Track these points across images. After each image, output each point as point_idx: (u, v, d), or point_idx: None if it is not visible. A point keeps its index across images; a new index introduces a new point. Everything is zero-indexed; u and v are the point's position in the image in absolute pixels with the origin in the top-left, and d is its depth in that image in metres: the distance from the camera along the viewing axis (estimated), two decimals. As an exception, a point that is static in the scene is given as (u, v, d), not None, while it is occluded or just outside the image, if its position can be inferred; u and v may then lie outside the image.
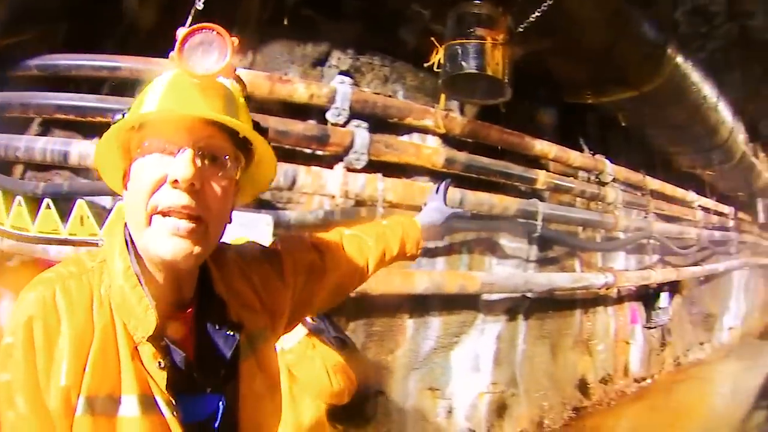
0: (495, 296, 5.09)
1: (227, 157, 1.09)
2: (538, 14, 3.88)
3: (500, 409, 5.27)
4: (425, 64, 4.29)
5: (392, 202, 4.07)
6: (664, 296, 7.83)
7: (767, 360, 9.09)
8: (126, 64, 3.58)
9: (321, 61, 4.35)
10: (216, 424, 1.14)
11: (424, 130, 4.53)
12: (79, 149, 3.44)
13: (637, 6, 4.69)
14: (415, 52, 4.51)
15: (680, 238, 8.24)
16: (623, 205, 6.68)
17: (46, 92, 3.62)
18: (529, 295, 5.34)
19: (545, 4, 3.78)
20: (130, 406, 1.02)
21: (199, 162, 1.03)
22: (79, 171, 3.68)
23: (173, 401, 1.05)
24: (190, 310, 1.16)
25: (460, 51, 3.97)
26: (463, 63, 3.95)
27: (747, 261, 12.12)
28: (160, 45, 3.68)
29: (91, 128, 3.69)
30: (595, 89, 5.74)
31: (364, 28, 4.42)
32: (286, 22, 4.10)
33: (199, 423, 1.12)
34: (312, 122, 4.00)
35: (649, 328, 7.90)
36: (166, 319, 1.09)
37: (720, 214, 10.36)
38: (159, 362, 1.05)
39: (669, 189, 8.05)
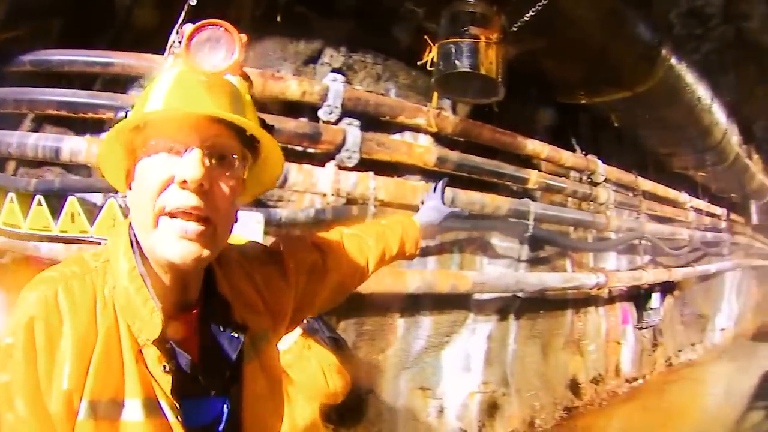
0: (486, 296, 5.12)
1: (235, 156, 1.08)
2: (533, 13, 3.89)
3: (491, 409, 5.28)
4: (418, 63, 4.28)
5: (384, 201, 4.08)
6: (655, 297, 7.89)
7: (761, 361, 9.15)
8: (118, 60, 3.59)
9: (314, 59, 4.34)
10: (220, 428, 1.12)
11: (416, 129, 4.55)
12: (71, 145, 3.44)
13: (632, 7, 4.69)
14: (408, 50, 4.52)
15: (672, 239, 8.29)
16: (615, 206, 6.71)
17: (38, 88, 3.63)
18: (520, 294, 5.37)
19: (540, 3, 3.80)
20: (133, 410, 1.00)
21: (207, 161, 1.02)
22: (71, 167, 3.68)
23: (178, 405, 1.03)
24: (194, 311, 1.14)
25: (453, 50, 3.98)
26: (457, 62, 3.96)
27: (739, 262, 12.21)
28: (153, 41, 3.68)
29: (83, 124, 3.69)
30: (589, 89, 5.77)
31: (357, 25, 4.42)
32: (279, 19, 4.08)
33: (203, 427, 1.10)
34: (304, 120, 4.00)
35: (641, 328, 7.95)
36: (170, 321, 1.07)
37: (712, 215, 10.44)
38: (164, 366, 1.03)
39: (661, 190, 8.12)
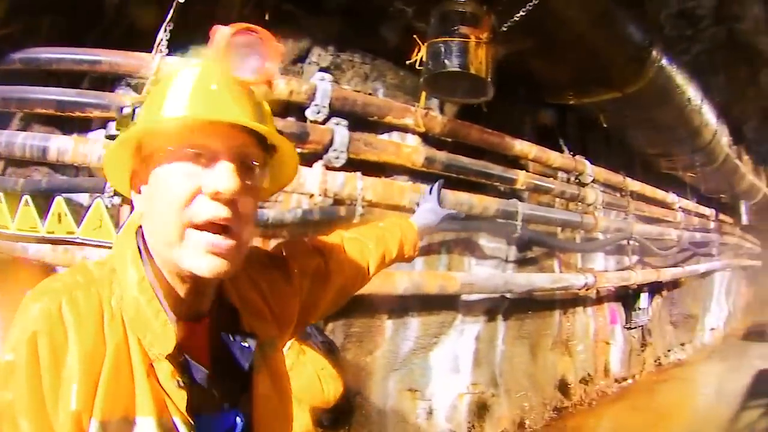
0: (474, 296, 5.16)
1: (256, 163, 1.06)
2: (523, 13, 3.90)
3: (481, 410, 5.32)
4: (407, 62, 4.30)
5: (371, 201, 4.09)
6: (644, 297, 7.98)
7: (752, 360, 9.27)
8: (106, 58, 3.60)
9: (301, 58, 4.36)
10: None
11: (404, 129, 4.57)
12: (58, 144, 3.44)
13: (622, 7, 4.72)
14: (396, 50, 4.55)
15: (660, 240, 8.36)
16: (603, 206, 6.75)
17: (26, 86, 3.62)
18: (508, 295, 5.42)
19: (530, 3, 3.82)
20: (145, 429, 0.96)
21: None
22: (58, 167, 3.67)
23: (192, 422, 1.00)
24: (204, 321, 1.12)
25: (443, 49, 3.98)
26: (446, 61, 3.96)
27: (729, 262, 12.33)
28: (142, 39, 3.67)
29: (70, 123, 3.70)
30: (578, 90, 5.80)
31: (346, 24, 4.44)
32: (266, 18, 4.07)
33: None
34: (291, 119, 4.01)
35: (629, 328, 8.02)
36: (182, 332, 1.03)
37: (701, 215, 10.52)
38: (178, 381, 0.99)
39: (649, 190, 8.23)
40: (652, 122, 6.57)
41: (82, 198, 3.49)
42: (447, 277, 4.66)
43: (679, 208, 9.36)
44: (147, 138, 1.05)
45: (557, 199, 6.25)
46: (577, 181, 6.45)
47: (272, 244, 1.55)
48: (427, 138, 4.72)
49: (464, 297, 5.07)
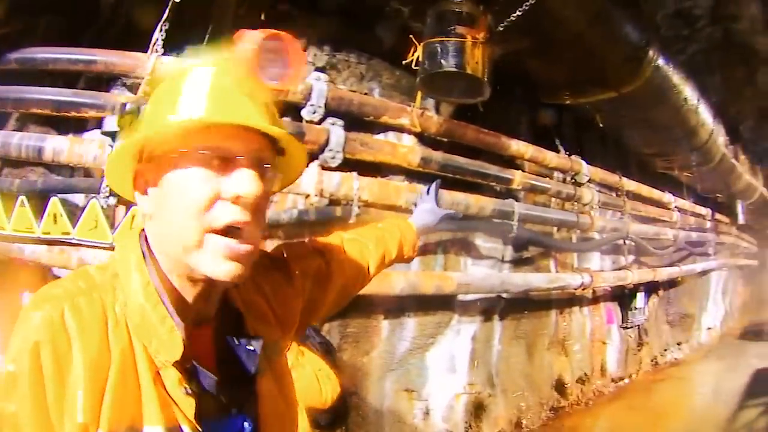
0: (470, 296, 5.17)
1: (268, 165, 1.05)
2: (520, 13, 3.90)
3: (477, 410, 5.34)
4: (403, 62, 4.30)
5: (367, 202, 4.10)
6: (640, 296, 8.01)
7: (749, 360, 9.32)
8: (102, 57, 3.62)
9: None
10: None
11: (399, 129, 4.60)
12: (53, 145, 3.45)
13: (619, 7, 4.73)
14: (392, 49, 4.57)
15: (657, 239, 8.38)
16: (599, 206, 6.76)
17: (22, 86, 3.63)
18: (504, 295, 5.43)
19: (527, 3, 3.82)
20: None
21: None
22: (53, 167, 3.67)
23: (200, 430, 0.98)
24: (209, 325, 1.10)
25: (439, 49, 3.99)
26: (443, 61, 3.97)
27: (725, 262, 12.36)
28: (138, 39, 3.66)
29: (65, 123, 3.70)
30: (574, 90, 5.81)
31: (342, 24, 4.44)
32: (262, 17, 4.08)
33: None
34: (287, 119, 4.01)
35: (626, 328, 8.04)
36: (188, 338, 1.01)
37: (697, 215, 10.55)
38: (185, 388, 0.97)
39: (645, 190, 8.29)
40: (648, 122, 6.59)
41: (78, 198, 3.50)
42: (443, 277, 4.68)
43: (676, 207, 9.42)
44: (157, 138, 1.02)
45: (553, 199, 6.29)
46: (573, 181, 6.48)
47: (268, 244, 1.54)
48: (423, 138, 4.74)
49: (461, 297, 5.09)
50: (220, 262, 0.98)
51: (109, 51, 3.61)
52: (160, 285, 1.02)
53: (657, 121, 6.53)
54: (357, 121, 4.31)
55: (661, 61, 5.40)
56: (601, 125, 6.72)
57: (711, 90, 6.86)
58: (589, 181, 6.61)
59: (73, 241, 3.23)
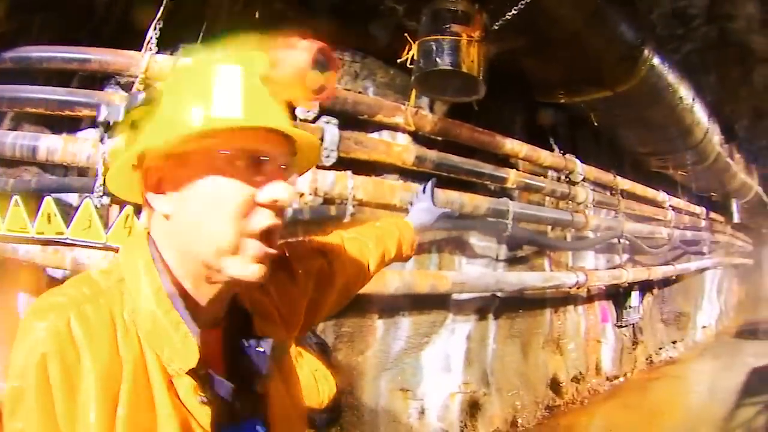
0: (465, 296, 5.21)
1: (284, 166, 1.04)
2: (515, 12, 3.90)
3: (473, 409, 5.36)
4: (398, 60, 4.30)
5: (362, 200, 4.12)
6: (634, 295, 8.05)
7: (745, 358, 9.37)
8: (96, 56, 3.61)
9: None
10: None
11: (394, 128, 4.61)
12: (48, 144, 3.46)
13: (615, 6, 4.74)
14: (386, 48, 4.57)
15: (651, 238, 8.41)
16: (593, 205, 6.79)
17: (17, 85, 3.63)
18: (498, 294, 5.44)
19: (522, 2, 3.82)
20: None
21: None
22: (47, 167, 3.67)
23: None
24: (218, 328, 1.08)
25: (434, 47, 4.00)
26: (438, 59, 3.98)
27: (720, 260, 12.40)
28: (133, 37, 3.65)
29: (59, 122, 3.70)
30: (569, 89, 5.82)
31: (336, 23, 4.42)
32: (257, 15, 4.07)
33: None
34: (281, 118, 3.97)
35: (620, 326, 8.07)
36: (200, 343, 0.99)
37: (692, 214, 10.60)
38: (200, 396, 0.95)
39: (640, 189, 8.35)
40: (643, 121, 6.62)
41: (72, 198, 3.50)
42: (438, 276, 4.69)
43: (670, 206, 9.50)
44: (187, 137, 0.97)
45: (548, 198, 6.32)
46: (568, 179, 6.51)
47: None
48: (418, 137, 4.76)
49: (455, 296, 5.11)
50: (250, 265, 0.98)
51: (103, 49, 3.61)
52: (172, 289, 0.99)
53: (652, 120, 6.56)
54: (351, 120, 4.32)
55: (656, 61, 5.43)
56: (595, 124, 6.74)
57: (706, 89, 6.90)
58: (584, 179, 6.65)
59: (67, 241, 3.22)
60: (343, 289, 1.53)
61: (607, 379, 7.68)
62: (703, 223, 11.33)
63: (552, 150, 6.34)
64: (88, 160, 3.37)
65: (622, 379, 8.00)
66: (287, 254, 1.37)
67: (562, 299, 6.79)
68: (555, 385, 6.58)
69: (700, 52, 6.42)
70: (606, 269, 7.50)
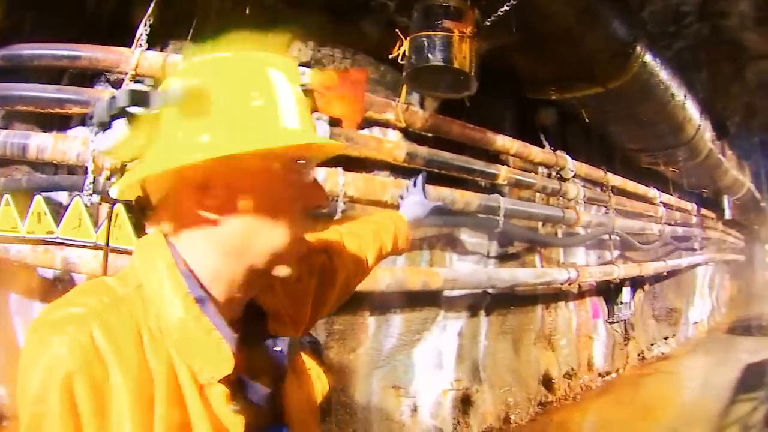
0: (456, 292, 5.24)
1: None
2: (507, 8, 3.91)
3: (465, 406, 5.39)
4: (389, 56, 4.31)
5: (353, 197, 4.14)
6: (626, 291, 8.11)
7: (737, 354, 9.45)
8: (86, 53, 3.62)
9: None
10: None
11: (384, 124, 4.64)
12: (38, 142, 3.45)
13: (607, 3, 4.77)
14: (377, 44, 4.57)
15: (642, 234, 8.47)
16: (584, 201, 6.83)
17: (7, 83, 3.62)
18: (490, 290, 5.47)
19: (514, -3, 3.83)
20: None
21: None
22: (37, 165, 3.66)
23: None
24: (235, 328, 1.02)
25: (426, 43, 4.00)
26: (430, 55, 3.99)
27: (711, 257, 12.48)
28: (122, 34, 3.64)
29: (50, 120, 3.70)
30: (560, 85, 5.86)
31: (326, 19, 4.43)
32: (247, 11, 4.07)
33: None
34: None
35: (612, 322, 8.13)
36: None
37: (683, 210, 10.67)
38: (232, 405, 0.91)
39: (631, 185, 8.44)
40: (634, 117, 6.67)
41: (61, 197, 3.50)
42: (430, 273, 4.73)
43: (661, 203, 9.60)
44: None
45: (538, 194, 6.37)
46: (559, 176, 6.57)
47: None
48: (408, 133, 4.80)
49: (447, 293, 5.15)
50: (292, 265, 1.03)
51: (93, 46, 3.62)
52: (200, 294, 0.94)
53: (644, 116, 6.61)
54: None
55: (648, 57, 5.47)
56: (587, 120, 6.77)
57: (698, 86, 6.95)
58: (575, 176, 6.71)
59: (58, 240, 3.22)
60: (345, 284, 1.55)
61: (599, 375, 7.74)
62: (695, 220, 11.46)
63: (543, 146, 6.38)
64: (77, 158, 3.37)
65: (614, 375, 8.07)
66: None
67: (553, 295, 6.86)
68: (547, 382, 6.63)
69: (692, 49, 6.46)
70: (597, 265, 7.59)
